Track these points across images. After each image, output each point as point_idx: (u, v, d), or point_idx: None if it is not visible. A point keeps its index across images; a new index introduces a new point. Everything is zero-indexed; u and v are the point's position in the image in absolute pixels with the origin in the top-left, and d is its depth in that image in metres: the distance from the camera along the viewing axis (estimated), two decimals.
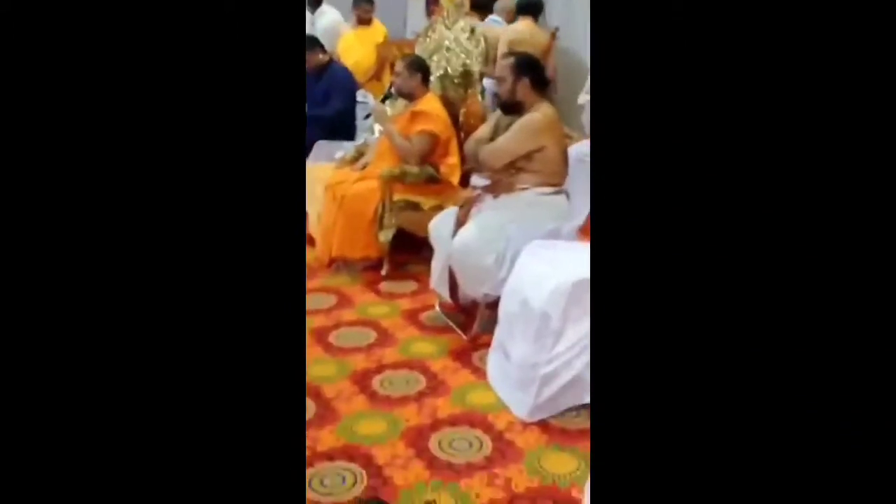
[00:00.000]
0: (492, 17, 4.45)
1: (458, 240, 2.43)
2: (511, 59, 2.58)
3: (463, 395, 2.15)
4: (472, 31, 3.21)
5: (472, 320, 2.51)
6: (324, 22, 4.54)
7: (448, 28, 3.29)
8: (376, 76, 4.61)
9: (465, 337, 2.49)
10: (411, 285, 2.99)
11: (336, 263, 3.13)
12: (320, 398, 2.10)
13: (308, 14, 4.64)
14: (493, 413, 2.04)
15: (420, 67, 3.13)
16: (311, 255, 3.26)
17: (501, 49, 3.53)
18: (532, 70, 2.53)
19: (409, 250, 3.15)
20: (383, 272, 3.06)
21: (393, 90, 3.28)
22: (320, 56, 3.77)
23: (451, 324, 2.59)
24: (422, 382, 2.22)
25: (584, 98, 3.35)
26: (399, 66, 3.13)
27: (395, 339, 2.52)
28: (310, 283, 2.98)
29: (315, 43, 3.79)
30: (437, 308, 2.71)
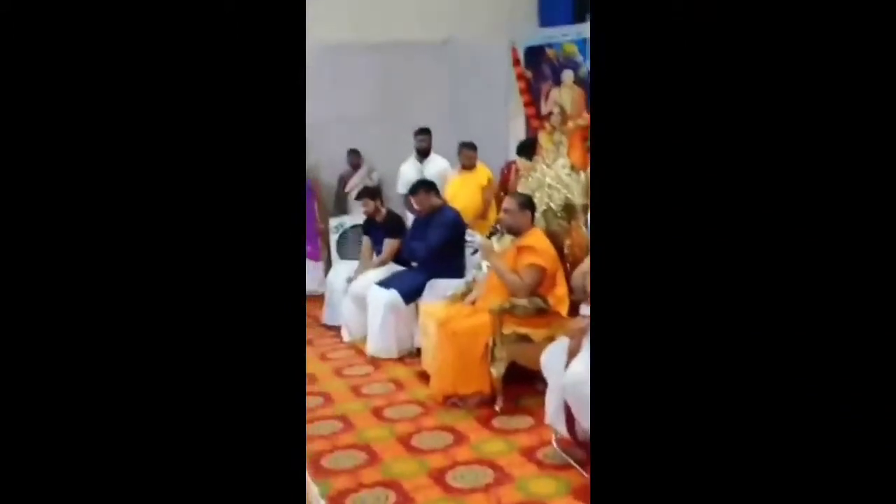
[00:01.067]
0: None
1: (570, 372, 2.39)
2: None
3: None
4: (572, 167, 3.34)
5: None
6: (433, 169, 4.86)
7: (548, 166, 3.44)
8: (482, 216, 4.81)
9: (585, 474, 2.38)
10: (527, 420, 2.93)
11: (450, 400, 3.14)
12: None
13: (417, 163, 5.00)
14: None
15: (529, 205, 3.26)
16: (425, 392, 3.30)
17: None
18: None
19: (523, 384, 3.12)
20: (497, 407, 3.03)
21: (499, 226, 3.41)
22: (434, 200, 4.04)
23: (570, 461, 2.49)
24: None
25: None
26: (510, 204, 3.26)
27: (513, 478, 2.44)
28: (425, 422, 2.99)
29: (432, 187, 4.07)
30: (555, 444, 2.62)
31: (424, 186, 4.10)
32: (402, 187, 5.02)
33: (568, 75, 6.10)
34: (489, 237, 3.46)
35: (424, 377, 3.44)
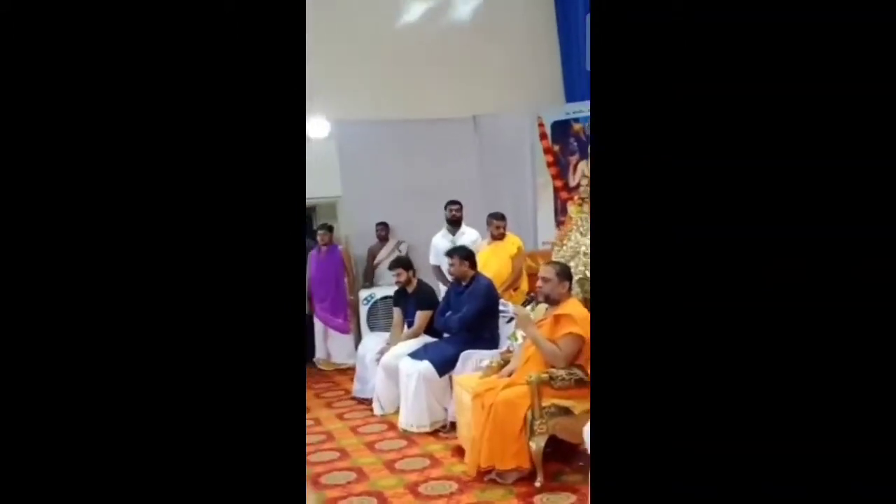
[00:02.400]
0: None
1: None
2: None
3: None
4: None
5: None
6: (464, 241, 4.87)
7: (583, 234, 3.42)
8: (514, 285, 4.78)
9: None
10: (569, 498, 2.79)
11: (486, 476, 3.02)
12: None
13: (449, 234, 5.03)
14: None
15: (569, 275, 3.21)
16: (461, 467, 3.19)
17: None
18: None
19: (564, 459, 3.00)
20: (537, 483, 2.90)
21: (535, 296, 3.36)
22: (468, 269, 4.03)
23: None
24: None
25: None
26: (548, 272, 3.20)
27: None
28: (463, 499, 2.87)
29: (468, 256, 4.07)
30: None
31: (461, 253, 4.10)
32: (434, 258, 5.02)
33: None
34: (524, 306, 3.42)
35: (459, 452, 3.33)
